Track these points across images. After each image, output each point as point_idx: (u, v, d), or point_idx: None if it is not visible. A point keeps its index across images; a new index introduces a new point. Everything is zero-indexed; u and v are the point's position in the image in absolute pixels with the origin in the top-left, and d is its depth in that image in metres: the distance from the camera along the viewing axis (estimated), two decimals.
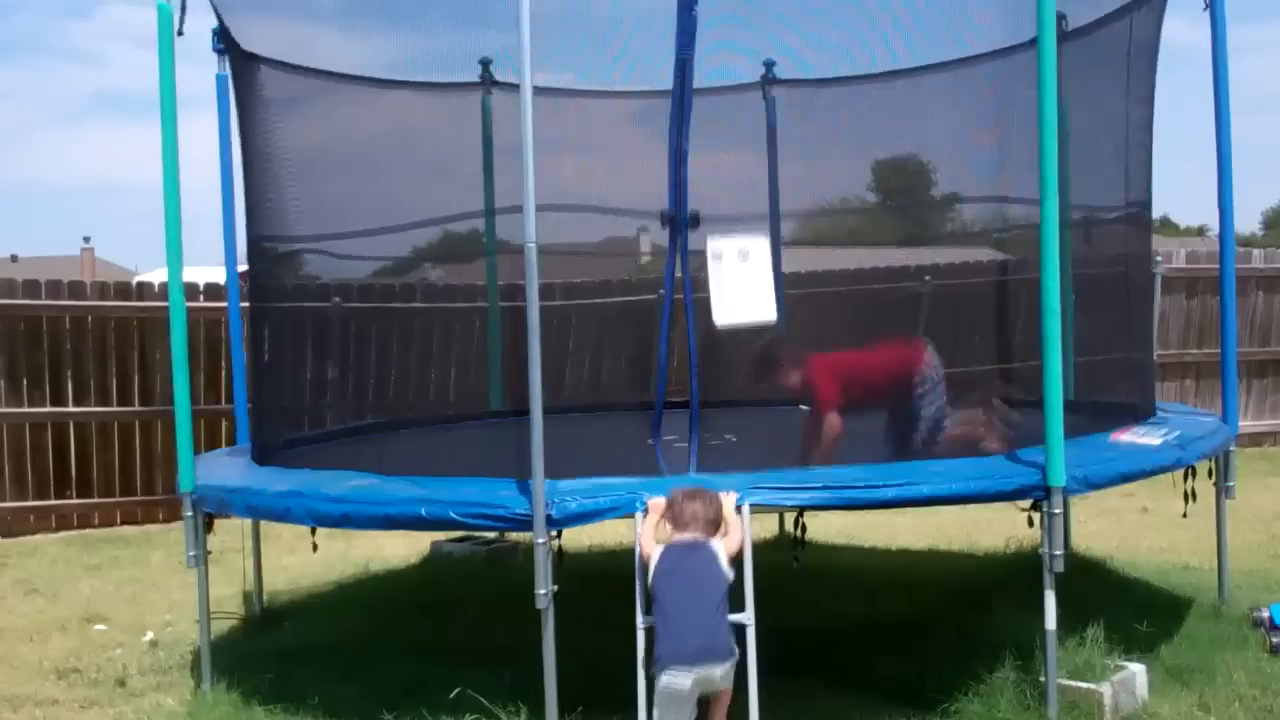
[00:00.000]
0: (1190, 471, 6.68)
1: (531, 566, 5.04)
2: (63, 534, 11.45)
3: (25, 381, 11.54)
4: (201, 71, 7.51)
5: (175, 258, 6.07)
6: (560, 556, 5.31)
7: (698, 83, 5.40)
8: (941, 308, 11.31)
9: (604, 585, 5.57)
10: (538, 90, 5.11)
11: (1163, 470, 6.12)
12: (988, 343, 8.19)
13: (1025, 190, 5.66)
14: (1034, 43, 5.19)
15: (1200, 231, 57.07)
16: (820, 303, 11.96)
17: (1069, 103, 6.64)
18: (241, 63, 7.25)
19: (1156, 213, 7.44)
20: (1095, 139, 7.04)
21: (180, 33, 6.33)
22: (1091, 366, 7.37)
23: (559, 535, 5.22)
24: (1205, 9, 6.91)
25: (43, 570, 9.76)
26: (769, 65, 9.14)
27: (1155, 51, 7.17)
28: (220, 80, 7.42)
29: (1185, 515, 6.93)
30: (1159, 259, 14.09)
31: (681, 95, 5.25)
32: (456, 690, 5.47)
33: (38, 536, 11.31)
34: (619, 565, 5.61)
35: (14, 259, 61.18)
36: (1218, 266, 7.28)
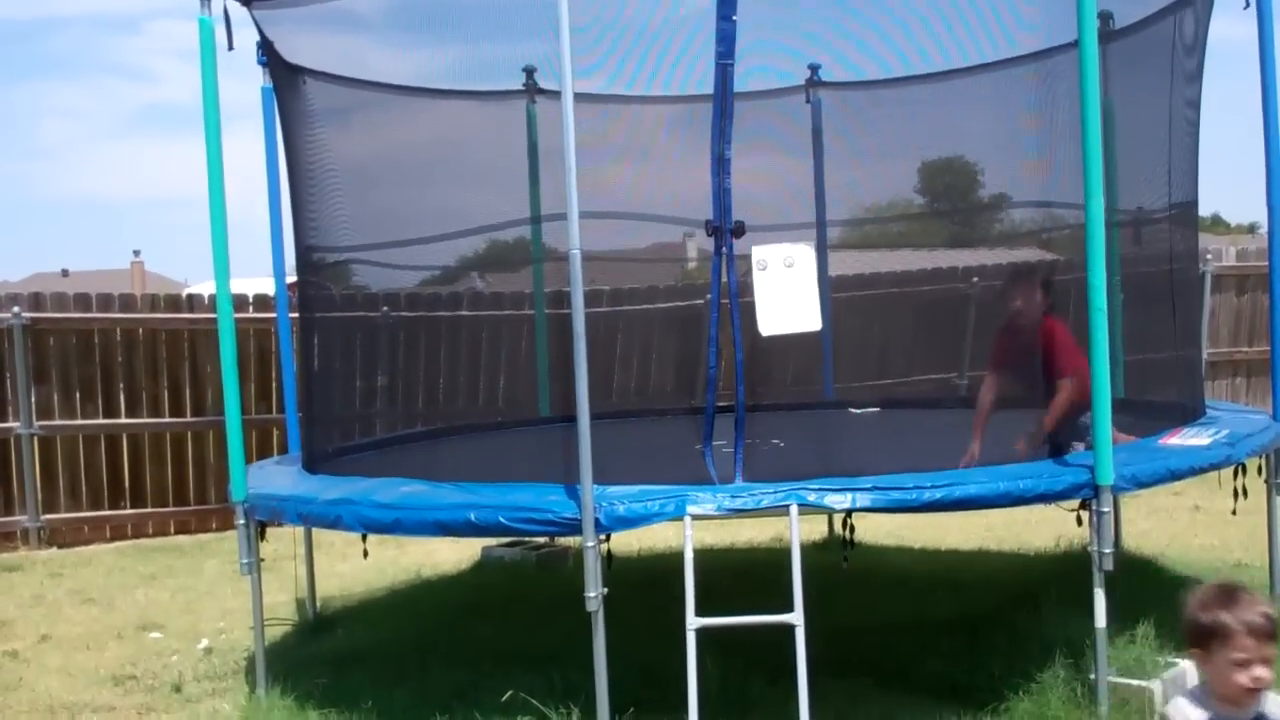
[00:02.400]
0: (1240, 469, 6.63)
1: (581, 570, 5.08)
2: (117, 544, 11.60)
3: (78, 394, 11.69)
4: (247, 84, 7.60)
5: (222, 270, 6.13)
6: (609, 560, 5.34)
7: (741, 86, 5.41)
8: (989, 309, 11.27)
9: (654, 588, 5.59)
10: (580, 97, 5.14)
11: (1212, 468, 6.09)
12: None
13: (1071, 190, 5.64)
14: (1078, 43, 5.18)
15: (1251, 229, 56.47)
16: (868, 305, 11.96)
17: (1115, 101, 6.62)
18: (286, 75, 7.32)
19: (1207, 211, 7.41)
20: (1142, 137, 7.01)
21: (231, 48, 6.41)
22: (1140, 366, 7.34)
23: (608, 539, 5.25)
24: (1246, 7, 6.88)
25: (98, 580, 9.87)
26: (814, 68, 9.15)
27: (1203, 48, 7.13)
28: (265, 92, 7.49)
29: (1235, 513, 6.88)
30: (1208, 257, 14.00)
31: (723, 101, 5.26)
32: (508, 693, 5.51)
33: (93, 546, 11.46)
34: (668, 568, 5.63)
35: (65, 273, 62.01)
36: (1267, 263, 7.23)
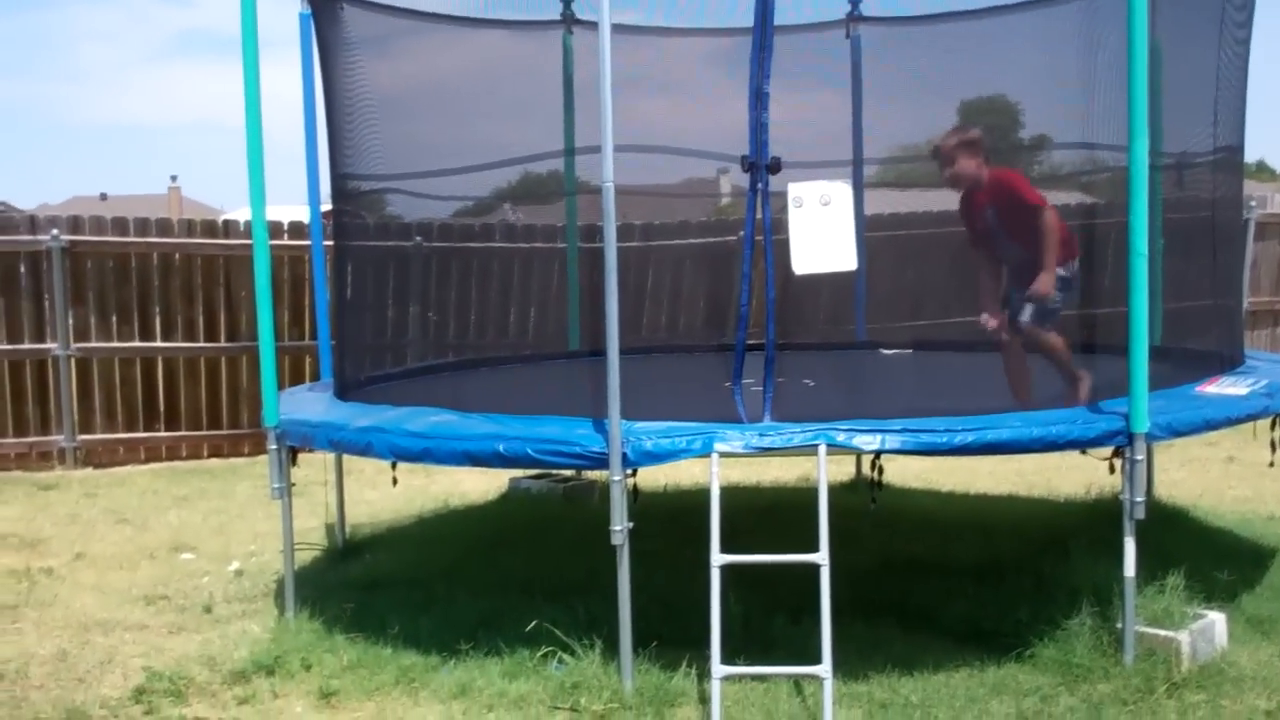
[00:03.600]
0: (1278, 420, 6.57)
1: (607, 504, 5.08)
2: (151, 465, 11.72)
3: (115, 317, 11.77)
4: (286, 10, 7.56)
5: (258, 196, 6.12)
6: (635, 495, 5.34)
7: (780, 19, 5.33)
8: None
9: (678, 524, 5.60)
10: (617, 28, 5.09)
11: (1249, 418, 6.02)
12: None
13: (1113, 132, 5.55)
14: None
15: None
16: (904, 245, 11.86)
17: (1160, 42, 6.50)
18: (323, 1, 7.28)
19: (1253, 156, 7.28)
20: (1187, 80, 6.87)
21: None
22: (1178, 313, 7.25)
23: (634, 474, 5.25)
24: None
25: (132, 500, 9.98)
26: (854, 2, 9.03)
27: None
28: (303, 19, 7.45)
29: (1272, 464, 6.81)
30: (1252, 204, 13.80)
31: (762, 34, 5.20)
32: (533, 623, 5.55)
33: (127, 468, 11.58)
34: (693, 504, 5.63)
35: (103, 197, 62.27)
36: None
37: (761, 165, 5.25)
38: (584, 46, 8.46)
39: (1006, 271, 6.50)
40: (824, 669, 4.78)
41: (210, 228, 12.55)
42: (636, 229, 12.29)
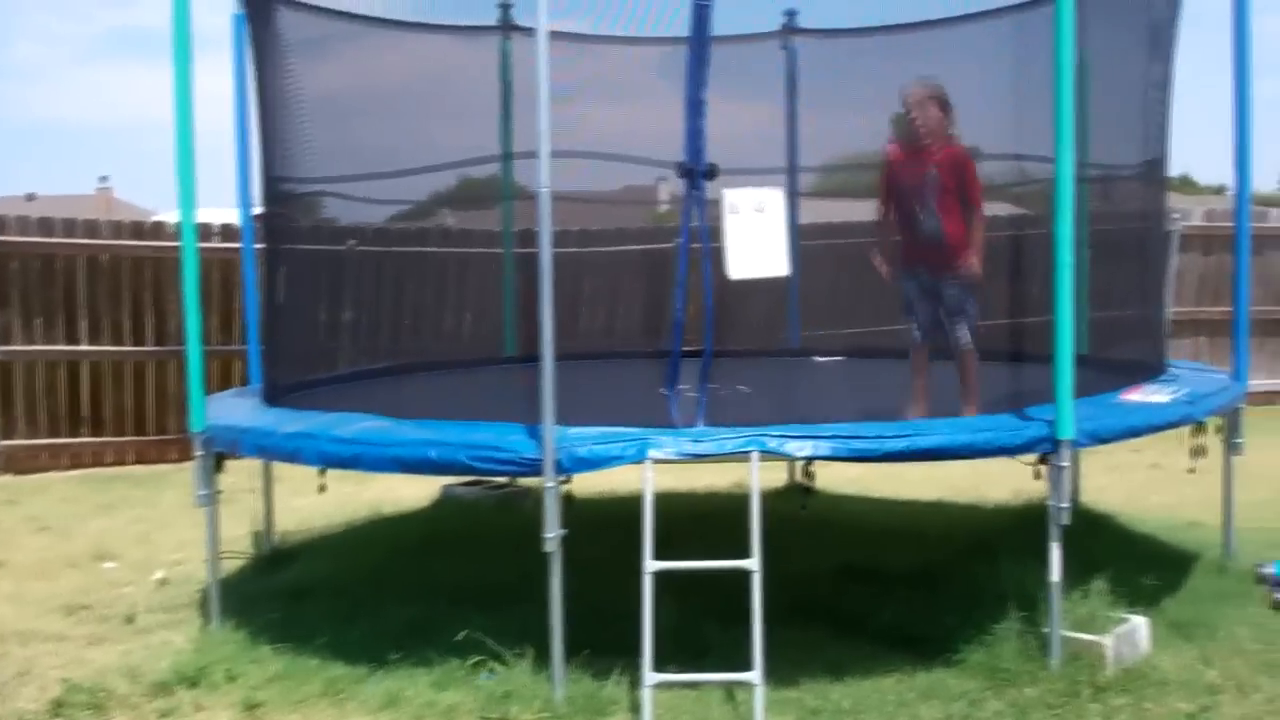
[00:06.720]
0: (1199, 428, 6.67)
1: (541, 511, 5.07)
2: (74, 472, 11.55)
3: (39, 320, 11.60)
4: (219, 10, 7.50)
5: (188, 198, 6.07)
6: (570, 502, 5.34)
7: (717, 30, 5.36)
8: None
9: (614, 531, 5.58)
10: (555, 35, 5.10)
11: (1171, 426, 6.14)
12: (1001, 297, 8.16)
13: (1043, 145, 5.63)
14: None
15: (1220, 190, 56.55)
16: (838, 254, 11.92)
17: (1088, 58, 6.60)
18: (258, 2, 7.22)
19: (1178, 171, 7.40)
20: (1114, 95, 6.99)
21: None
22: (1103, 323, 7.35)
23: (568, 480, 5.24)
24: None
25: (53, 508, 9.83)
26: (790, 14, 9.09)
27: (1178, 7, 7.11)
28: (237, 20, 7.40)
29: (1193, 471, 6.93)
30: (1175, 216, 14.01)
31: (699, 43, 5.22)
32: (463, 632, 5.52)
33: (49, 474, 11.41)
34: (630, 511, 5.62)
35: (30, 197, 61.14)
36: (1233, 226, 7.25)
37: (698, 172, 5.27)
38: (522, 53, 8.47)
39: (915, 243, 6.51)
40: (755, 675, 4.80)
41: (138, 229, 12.42)
42: (573, 235, 12.28)
